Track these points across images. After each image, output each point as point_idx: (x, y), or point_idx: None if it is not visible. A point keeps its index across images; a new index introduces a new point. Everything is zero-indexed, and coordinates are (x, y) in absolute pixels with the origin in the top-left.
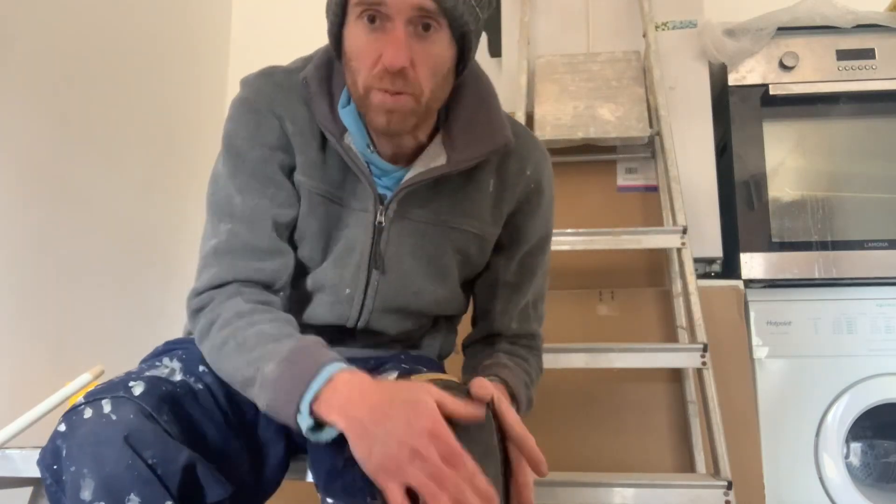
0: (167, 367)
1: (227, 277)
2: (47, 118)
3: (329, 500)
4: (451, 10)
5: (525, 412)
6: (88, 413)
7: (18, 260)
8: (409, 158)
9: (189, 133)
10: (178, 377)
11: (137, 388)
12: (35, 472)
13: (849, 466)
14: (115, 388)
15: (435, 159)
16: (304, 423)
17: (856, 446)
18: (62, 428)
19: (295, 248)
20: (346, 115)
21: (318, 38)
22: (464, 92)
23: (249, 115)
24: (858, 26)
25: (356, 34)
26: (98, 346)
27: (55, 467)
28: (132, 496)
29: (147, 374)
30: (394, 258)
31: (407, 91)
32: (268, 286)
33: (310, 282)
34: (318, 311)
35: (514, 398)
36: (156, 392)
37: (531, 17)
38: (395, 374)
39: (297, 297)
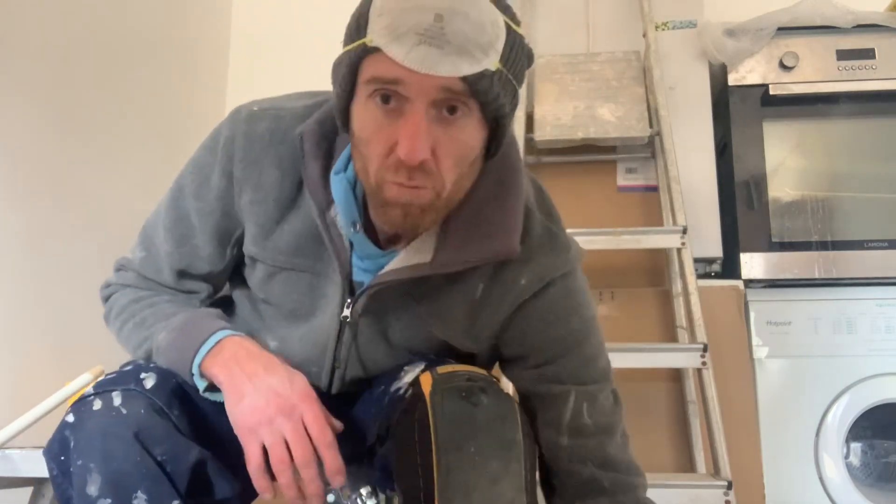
0: None
1: (130, 284)
2: (47, 118)
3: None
4: (483, 92)
5: None
6: (98, 405)
7: (18, 260)
8: (406, 243)
9: (189, 133)
10: None
11: (149, 381)
12: (35, 472)
13: (849, 466)
14: (126, 380)
15: (420, 252)
16: (199, 385)
17: (856, 446)
18: (70, 419)
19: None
20: (337, 183)
21: (316, 39)
22: (484, 177)
23: (208, 164)
24: (858, 26)
25: (367, 115)
26: (98, 346)
27: (62, 458)
28: (139, 493)
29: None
30: (362, 348)
31: (426, 185)
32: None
33: (279, 344)
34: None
35: None
36: (167, 385)
37: (531, 17)
38: (422, 365)
39: (274, 347)
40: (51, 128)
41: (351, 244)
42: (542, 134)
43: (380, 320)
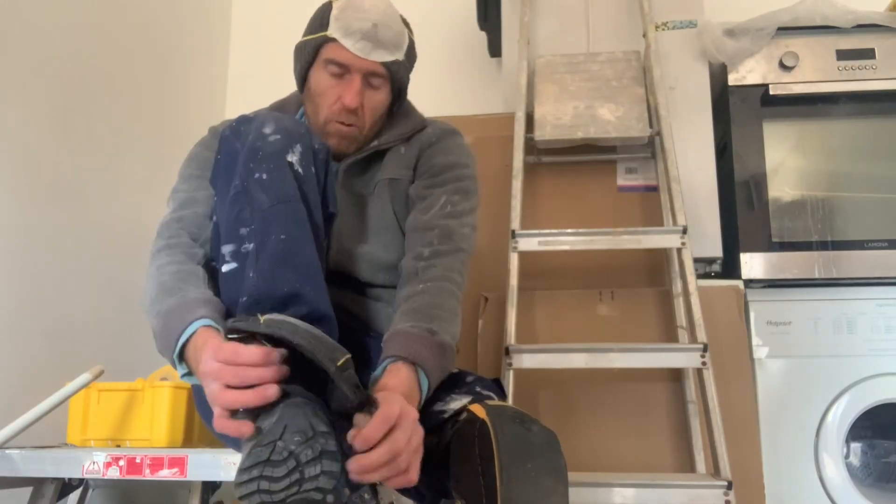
0: None
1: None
2: (47, 118)
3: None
4: (394, 73)
5: (449, 361)
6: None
7: (19, 260)
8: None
9: (189, 133)
10: None
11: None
12: (35, 472)
13: (849, 466)
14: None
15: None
16: (180, 371)
17: (856, 446)
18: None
19: None
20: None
21: None
22: (395, 120)
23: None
24: (858, 26)
25: (322, 80)
26: (98, 346)
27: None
28: (298, 146)
29: None
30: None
31: (356, 124)
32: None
33: None
34: None
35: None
36: None
37: (531, 17)
38: (466, 399)
39: None
40: (50, 128)
41: None
42: (542, 134)
43: (354, 180)
